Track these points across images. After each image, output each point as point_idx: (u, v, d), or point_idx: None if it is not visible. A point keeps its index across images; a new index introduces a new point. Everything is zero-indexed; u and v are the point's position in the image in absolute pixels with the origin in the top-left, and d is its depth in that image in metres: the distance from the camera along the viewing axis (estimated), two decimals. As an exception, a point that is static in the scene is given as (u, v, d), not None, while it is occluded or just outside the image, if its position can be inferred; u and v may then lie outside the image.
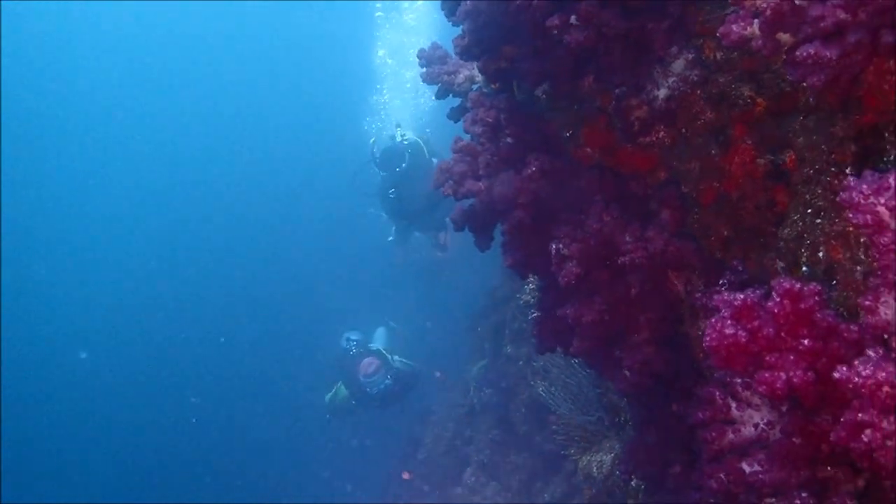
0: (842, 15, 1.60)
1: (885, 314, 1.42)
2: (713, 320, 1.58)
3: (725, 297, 1.61)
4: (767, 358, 1.55)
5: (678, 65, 2.23)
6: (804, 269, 1.98)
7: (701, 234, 2.37)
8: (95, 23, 21.91)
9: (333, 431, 10.65)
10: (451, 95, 3.36)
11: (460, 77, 3.23)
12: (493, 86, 2.88)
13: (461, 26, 2.76)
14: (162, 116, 23.36)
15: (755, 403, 1.84)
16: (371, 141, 8.37)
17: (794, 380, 1.51)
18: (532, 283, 5.09)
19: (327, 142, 19.28)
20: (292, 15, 22.06)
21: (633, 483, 3.58)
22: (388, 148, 8.28)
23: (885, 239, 1.37)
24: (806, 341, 1.52)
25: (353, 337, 9.08)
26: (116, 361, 19.35)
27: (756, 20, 1.78)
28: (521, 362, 6.80)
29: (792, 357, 1.53)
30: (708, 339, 1.58)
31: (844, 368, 1.38)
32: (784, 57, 1.75)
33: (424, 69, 3.31)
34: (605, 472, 3.93)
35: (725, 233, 2.31)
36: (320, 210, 19.14)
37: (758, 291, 1.60)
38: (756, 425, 1.82)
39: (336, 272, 16.19)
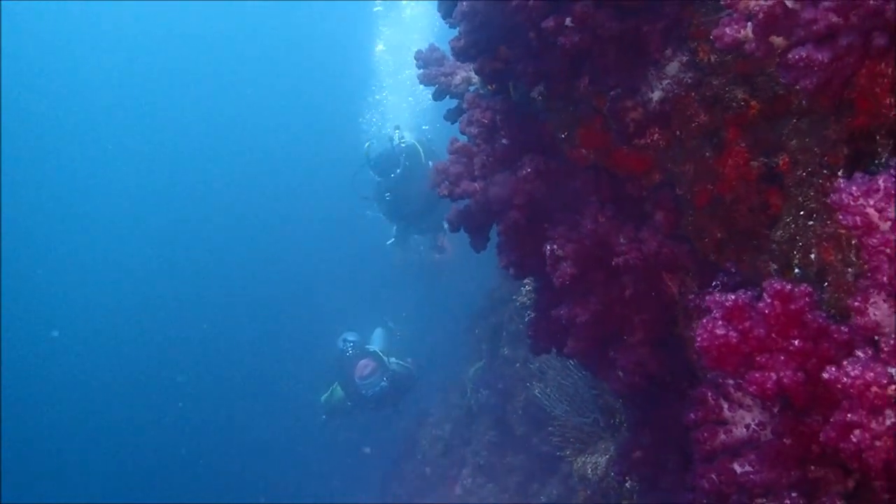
0: (834, 18, 1.61)
1: (875, 315, 1.43)
2: (704, 321, 1.59)
3: (717, 298, 1.62)
4: (758, 358, 1.56)
5: (672, 67, 2.24)
6: (796, 270, 1.99)
7: (695, 235, 2.38)
8: (95, 23, 21.90)
9: (330, 432, 10.64)
10: (448, 97, 3.37)
11: (457, 79, 3.25)
12: (489, 87, 2.89)
13: (458, 28, 2.77)
14: (160, 116, 23.35)
15: (747, 404, 1.85)
16: (366, 145, 8.34)
17: (785, 380, 1.52)
18: (529, 285, 5.10)
19: (326, 141, 19.28)
20: (291, 14, 22.05)
21: (627, 484, 3.59)
22: (384, 153, 8.26)
23: (875, 240, 1.38)
24: (796, 342, 1.53)
25: (350, 338, 9.08)
26: (116, 361, 19.33)
27: (749, 23, 1.79)
28: (518, 364, 6.80)
29: (782, 357, 1.54)
30: (699, 339, 1.59)
31: (833, 369, 1.39)
32: (777, 60, 1.76)
33: (421, 70, 3.32)
34: (599, 473, 3.94)
35: (719, 235, 2.32)
36: (319, 210, 19.13)
37: (749, 292, 1.61)
38: (748, 426, 1.83)
39: (335, 272, 16.20)
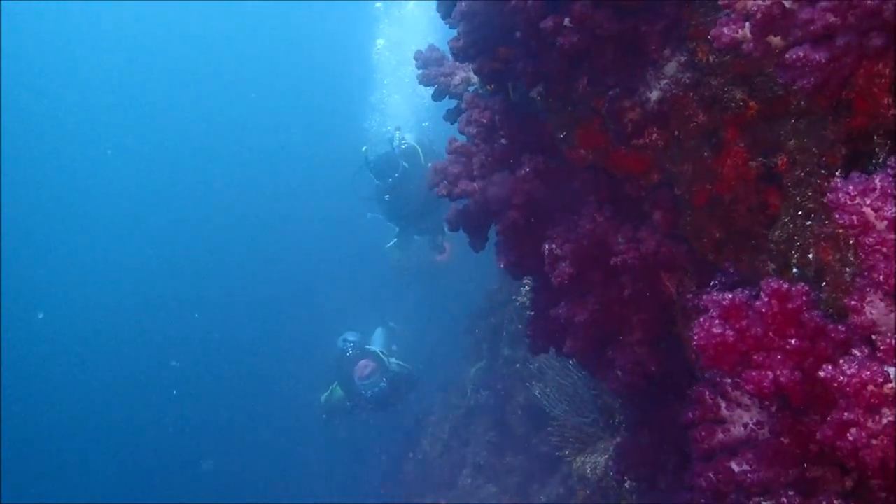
0: (831, 18, 1.61)
1: (871, 314, 1.43)
2: (701, 319, 1.59)
3: (714, 297, 1.62)
4: (755, 357, 1.57)
5: (671, 67, 2.24)
6: (794, 270, 2.00)
7: (693, 235, 2.38)
8: (95, 23, 21.90)
9: (330, 432, 10.64)
10: (447, 97, 3.38)
11: (457, 79, 3.25)
12: (488, 87, 2.89)
13: (457, 28, 2.78)
14: (161, 115, 23.36)
15: (745, 403, 1.85)
16: (363, 149, 8.32)
17: (782, 379, 1.53)
18: (528, 285, 5.10)
19: (327, 140, 19.28)
20: (290, 12, 22.02)
21: (626, 484, 3.59)
22: (382, 156, 8.25)
23: (871, 239, 1.39)
24: (793, 341, 1.54)
25: (351, 338, 9.09)
26: (116, 361, 19.32)
27: (747, 23, 1.79)
28: (518, 364, 6.80)
29: (779, 356, 1.54)
30: (696, 337, 1.59)
31: (829, 367, 1.39)
32: (776, 60, 1.77)
33: (421, 71, 3.33)
34: (599, 473, 3.95)
35: (718, 235, 2.33)
36: (320, 210, 19.12)
37: (746, 292, 1.61)
38: (745, 425, 1.83)
39: (336, 272, 16.20)
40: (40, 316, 20.52)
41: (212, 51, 23.48)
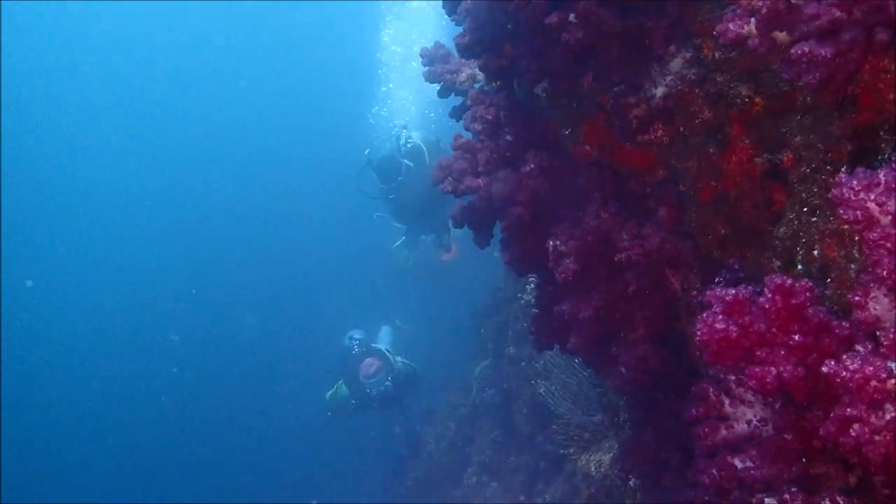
0: (837, 13, 1.61)
1: (875, 310, 1.43)
2: (705, 315, 1.59)
3: (717, 293, 1.62)
4: (758, 353, 1.56)
5: (676, 63, 2.24)
6: (799, 267, 1.99)
7: (698, 232, 2.38)
8: (95, 23, 21.91)
9: (335, 429, 10.66)
10: (453, 94, 3.38)
11: (462, 76, 3.25)
12: (493, 84, 2.89)
13: (462, 25, 2.78)
14: (166, 116, 23.39)
15: (748, 400, 1.85)
16: (366, 152, 8.30)
17: (785, 375, 1.52)
18: (533, 283, 5.10)
19: (333, 139, 19.28)
20: (295, 9, 21.98)
21: (631, 482, 3.59)
22: (385, 158, 8.23)
23: (875, 235, 1.38)
24: (797, 337, 1.53)
25: (357, 336, 9.10)
26: (118, 362, 19.36)
27: (753, 19, 1.79)
28: (523, 363, 6.81)
29: (783, 352, 1.54)
30: (699, 333, 1.59)
31: (832, 363, 1.39)
32: (781, 56, 1.76)
33: (427, 68, 3.33)
34: (603, 471, 3.94)
35: (723, 231, 2.32)
36: (328, 207, 19.12)
37: (750, 287, 1.61)
38: (749, 422, 1.83)
39: (343, 270, 16.23)
40: (42, 321, 20.58)
41: (212, 49, 23.50)
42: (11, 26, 19.73)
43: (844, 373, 1.37)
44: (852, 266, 1.80)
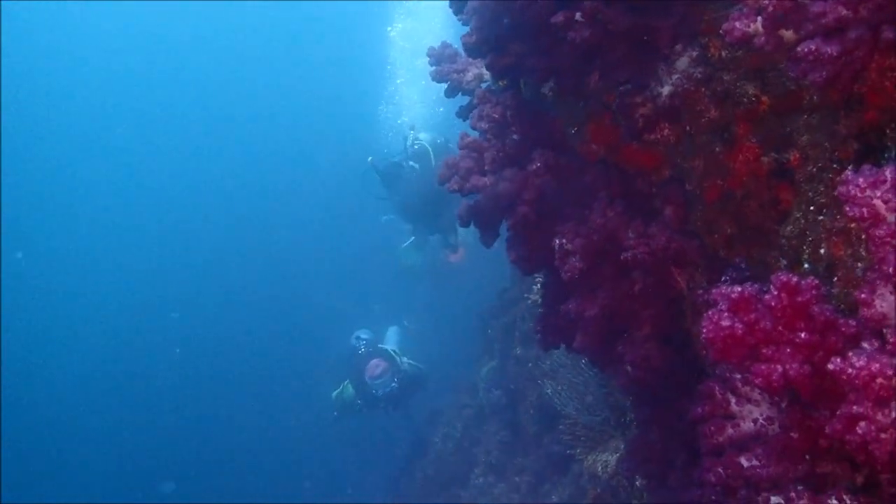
0: (843, 11, 1.61)
1: (881, 307, 1.42)
2: (710, 312, 1.59)
3: (723, 290, 1.61)
4: (764, 351, 1.56)
5: (682, 62, 2.24)
6: (806, 265, 1.99)
7: (705, 231, 2.38)
8: (95, 23, 21.94)
9: (341, 429, 10.67)
10: (460, 94, 3.39)
11: (469, 75, 3.26)
12: (500, 83, 2.90)
13: (469, 24, 2.79)
14: (168, 116, 23.41)
15: (754, 399, 1.85)
16: (369, 160, 8.31)
17: (791, 372, 1.52)
18: (539, 282, 5.10)
19: (344, 136, 19.26)
20: (301, 7, 21.97)
21: (637, 483, 3.59)
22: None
23: (881, 232, 1.38)
24: (803, 334, 1.53)
25: (364, 336, 9.11)
26: (121, 366, 19.38)
27: (759, 17, 1.79)
28: (530, 364, 6.80)
29: (789, 350, 1.54)
30: (705, 330, 1.59)
31: (838, 360, 1.38)
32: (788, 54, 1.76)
33: (434, 67, 3.34)
34: (610, 471, 3.94)
35: (729, 230, 2.32)
36: (336, 207, 19.12)
37: (755, 285, 1.61)
38: (755, 420, 1.83)
39: (351, 269, 16.24)
40: (44, 323, 20.63)
41: (215, 47, 23.50)
42: (11, 26, 19.78)
43: (850, 370, 1.37)
44: (859, 264, 1.79)
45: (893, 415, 1.37)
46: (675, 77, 2.24)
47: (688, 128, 2.34)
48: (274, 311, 18.94)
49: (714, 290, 1.65)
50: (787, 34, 1.75)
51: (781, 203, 2.19)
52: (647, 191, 2.51)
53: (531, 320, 6.55)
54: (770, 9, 1.70)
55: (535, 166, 2.49)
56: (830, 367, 1.40)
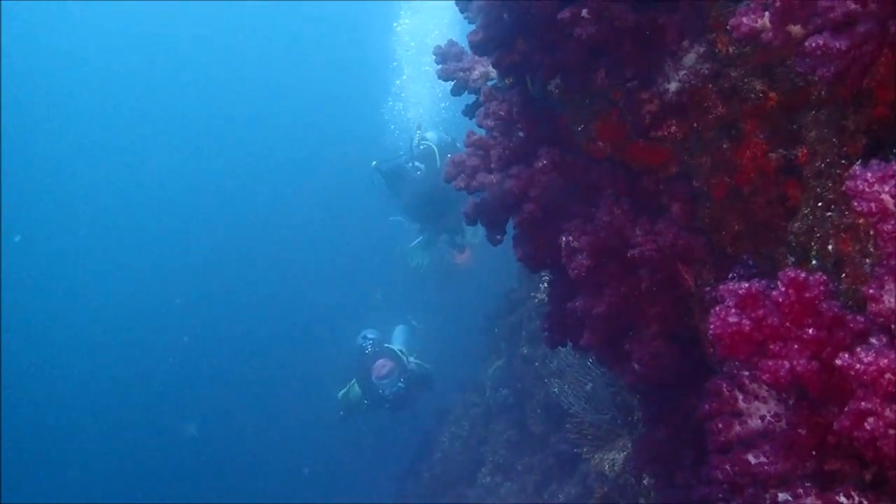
0: (851, 5, 1.60)
1: (889, 302, 1.41)
2: (717, 308, 1.58)
3: (730, 287, 1.61)
4: (771, 347, 1.55)
5: (689, 58, 2.23)
6: (814, 262, 1.98)
7: (712, 228, 2.37)
8: (95, 23, 21.97)
9: (348, 429, 10.67)
10: (466, 92, 3.38)
11: (475, 73, 3.25)
12: (506, 80, 2.89)
13: (475, 22, 2.79)
14: (171, 116, 23.43)
15: (762, 396, 1.84)
16: (373, 164, 8.31)
17: (798, 368, 1.51)
18: (546, 281, 5.10)
19: (351, 134, 19.25)
20: (308, 6, 21.98)
21: (644, 481, 3.58)
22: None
23: (889, 227, 1.37)
24: (811, 330, 1.52)
25: (370, 335, 9.10)
26: (125, 364, 19.44)
27: (767, 12, 1.78)
28: (537, 363, 6.80)
29: (796, 346, 1.53)
30: (712, 326, 1.58)
31: (846, 355, 1.38)
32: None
33: (440, 66, 3.33)
34: (617, 470, 3.93)
35: (736, 227, 2.31)
36: (345, 205, 19.10)
37: (763, 281, 1.60)
38: (763, 417, 1.82)
39: (358, 269, 16.24)
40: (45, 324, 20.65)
41: (216, 47, 23.50)
42: (11, 26, 19.83)
43: (858, 365, 1.36)
44: (867, 261, 1.78)
45: (902, 411, 1.36)
46: (682, 73, 2.23)
47: (695, 124, 2.33)
48: (283, 309, 18.94)
49: (721, 287, 1.64)
50: (795, 29, 1.74)
51: (789, 199, 2.18)
52: (653, 188, 2.51)
53: (538, 319, 6.55)
54: (777, 4, 1.69)
55: (541, 164, 2.49)
56: (838, 362, 1.40)
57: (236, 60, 23.84)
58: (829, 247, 1.92)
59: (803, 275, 1.51)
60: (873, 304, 1.44)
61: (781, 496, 1.68)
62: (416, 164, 8.22)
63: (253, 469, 16.33)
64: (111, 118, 23.09)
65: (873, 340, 1.43)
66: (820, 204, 1.99)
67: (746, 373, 1.84)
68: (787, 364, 1.52)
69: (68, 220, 22.82)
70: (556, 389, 4.75)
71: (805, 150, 2.10)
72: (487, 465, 7.83)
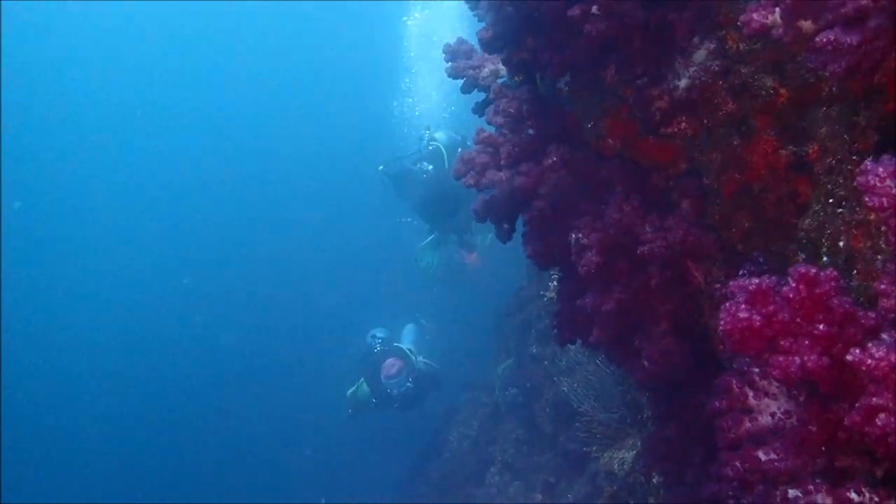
0: (863, 0, 1.59)
1: (901, 298, 1.41)
2: (727, 304, 1.58)
3: (741, 283, 1.61)
4: (782, 343, 1.55)
5: (699, 55, 2.23)
6: (825, 258, 1.97)
7: (722, 225, 2.36)
8: (95, 23, 22.02)
9: (357, 427, 10.68)
10: (476, 90, 3.38)
11: (485, 71, 3.25)
12: (516, 78, 2.89)
13: (485, 20, 2.79)
14: (176, 115, 23.47)
15: (772, 392, 1.83)
16: (380, 168, 8.32)
17: (809, 364, 1.51)
18: (556, 279, 5.09)
19: (360, 131, 19.26)
20: (317, 5, 21.99)
21: (654, 480, 3.57)
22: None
23: (901, 222, 1.37)
24: (821, 326, 1.51)
25: (379, 334, 9.11)
26: (130, 366, 19.49)
27: (777, 8, 1.78)
28: (546, 362, 6.80)
29: (807, 342, 1.52)
30: (722, 322, 1.58)
31: (857, 351, 1.37)
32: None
33: (450, 64, 3.34)
34: (626, 468, 3.93)
35: (747, 224, 2.30)
36: (355, 204, 19.11)
37: (773, 277, 1.60)
38: (773, 414, 1.81)
39: (369, 267, 16.25)
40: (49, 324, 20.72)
41: (220, 46, 23.51)
42: (11, 26, 19.89)
43: (869, 360, 1.36)
44: (878, 257, 1.77)
45: (914, 406, 1.36)
46: (692, 70, 2.23)
47: (705, 121, 2.33)
48: (292, 308, 18.96)
49: (732, 283, 1.64)
50: (806, 25, 1.73)
51: (800, 196, 2.18)
52: (663, 185, 2.50)
53: (547, 318, 6.55)
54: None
55: (550, 161, 2.49)
56: (849, 357, 1.39)
57: (243, 58, 23.84)
58: (841, 243, 1.91)
59: (814, 270, 1.51)
60: (885, 300, 1.44)
61: (792, 493, 1.68)
62: (425, 164, 8.22)
63: (260, 468, 16.36)
64: (113, 118, 23.12)
65: (884, 336, 1.43)
66: (831, 200, 1.98)
67: (756, 369, 1.84)
68: (797, 360, 1.51)
69: (69, 220, 22.90)
70: (565, 388, 4.75)
71: (816, 147, 2.09)
72: (496, 465, 7.83)
